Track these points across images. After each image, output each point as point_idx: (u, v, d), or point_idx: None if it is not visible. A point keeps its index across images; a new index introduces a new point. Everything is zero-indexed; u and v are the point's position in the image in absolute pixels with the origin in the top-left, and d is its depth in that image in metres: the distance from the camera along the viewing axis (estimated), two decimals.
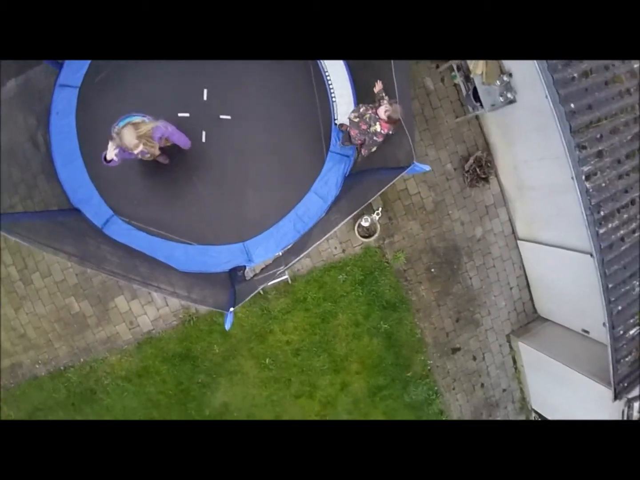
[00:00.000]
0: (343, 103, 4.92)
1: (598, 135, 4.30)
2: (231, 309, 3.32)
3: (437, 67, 5.73)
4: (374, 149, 4.43)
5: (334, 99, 4.90)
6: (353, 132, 4.55)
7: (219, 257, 4.77)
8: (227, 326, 3.28)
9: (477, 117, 5.84)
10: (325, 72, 4.89)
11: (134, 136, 3.66)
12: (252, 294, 3.88)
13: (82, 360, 5.61)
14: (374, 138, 4.36)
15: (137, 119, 3.80)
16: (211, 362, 5.65)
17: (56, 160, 4.56)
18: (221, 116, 4.75)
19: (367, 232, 5.56)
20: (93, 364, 5.59)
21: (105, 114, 4.58)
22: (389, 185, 3.77)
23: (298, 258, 4.01)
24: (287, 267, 4.10)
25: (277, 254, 4.97)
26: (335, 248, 5.72)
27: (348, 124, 4.66)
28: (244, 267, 4.74)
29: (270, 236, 4.85)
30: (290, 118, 4.85)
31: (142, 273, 4.02)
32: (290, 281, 5.52)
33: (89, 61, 4.65)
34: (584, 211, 4.33)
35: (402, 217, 5.86)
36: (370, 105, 4.47)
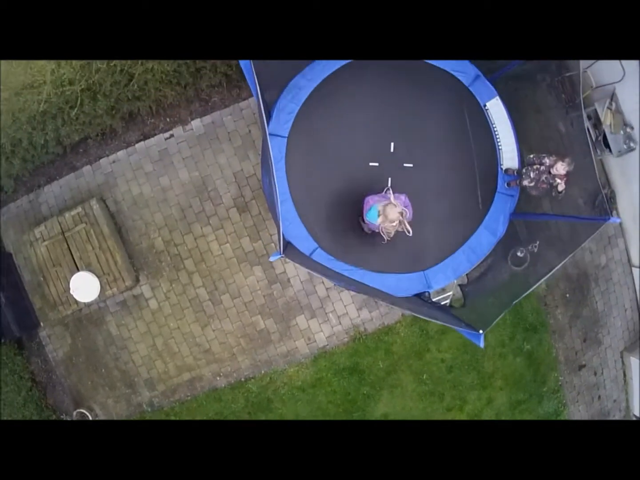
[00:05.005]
0: (507, 150, 5.67)
1: None
2: (481, 331, 4.00)
3: (567, 112, 6.46)
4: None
5: (500, 147, 5.65)
6: (535, 192, 5.29)
7: (401, 284, 5.50)
8: (482, 345, 3.97)
9: (600, 159, 6.58)
10: (492, 124, 5.65)
11: (396, 212, 4.53)
12: (500, 316, 4.74)
13: (262, 372, 6.33)
14: (558, 195, 5.11)
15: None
16: (375, 376, 6.33)
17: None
18: (405, 164, 5.54)
19: (518, 262, 6.23)
20: (272, 375, 6.31)
21: (308, 161, 5.50)
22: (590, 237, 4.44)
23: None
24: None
25: (453, 281, 5.69)
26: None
27: (525, 184, 5.34)
28: (427, 292, 5.45)
29: (447, 266, 5.56)
30: (462, 164, 5.59)
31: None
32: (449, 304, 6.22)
33: (294, 114, 5.49)
34: None
35: (542, 246, 6.51)
36: (536, 167, 5.18)
